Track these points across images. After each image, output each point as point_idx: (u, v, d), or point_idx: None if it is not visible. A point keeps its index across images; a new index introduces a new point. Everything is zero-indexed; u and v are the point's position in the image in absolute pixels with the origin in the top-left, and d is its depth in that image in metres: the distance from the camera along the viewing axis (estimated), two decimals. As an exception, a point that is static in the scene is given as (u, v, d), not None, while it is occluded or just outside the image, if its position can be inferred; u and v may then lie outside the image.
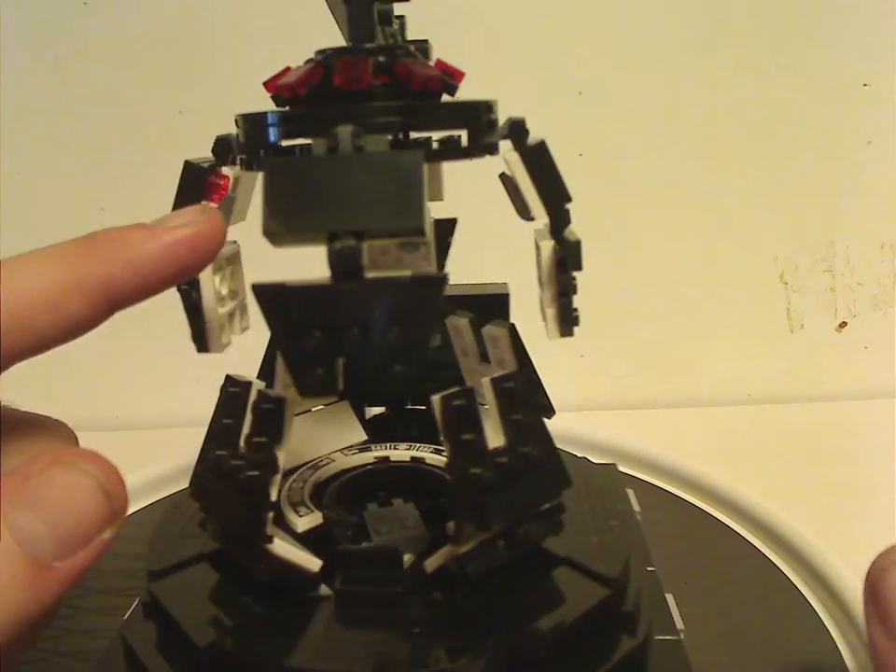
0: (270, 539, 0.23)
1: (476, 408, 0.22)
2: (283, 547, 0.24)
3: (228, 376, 0.25)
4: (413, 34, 0.27)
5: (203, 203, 0.24)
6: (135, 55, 0.52)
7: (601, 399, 0.57)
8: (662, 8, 0.53)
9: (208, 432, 0.25)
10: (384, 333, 0.20)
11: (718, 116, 0.55)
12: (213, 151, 0.25)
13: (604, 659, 0.23)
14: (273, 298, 0.20)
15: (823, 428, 0.52)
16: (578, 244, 0.25)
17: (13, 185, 0.54)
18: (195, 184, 0.25)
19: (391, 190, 0.19)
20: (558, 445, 0.24)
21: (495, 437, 0.23)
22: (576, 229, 0.27)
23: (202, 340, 0.26)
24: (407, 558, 0.24)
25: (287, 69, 0.24)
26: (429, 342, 0.21)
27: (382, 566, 0.24)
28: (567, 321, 0.25)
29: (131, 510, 0.20)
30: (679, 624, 0.26)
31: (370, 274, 0.20)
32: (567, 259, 0.24)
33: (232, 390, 0.24)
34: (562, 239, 0.25)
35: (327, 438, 0.31)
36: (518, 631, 0.22)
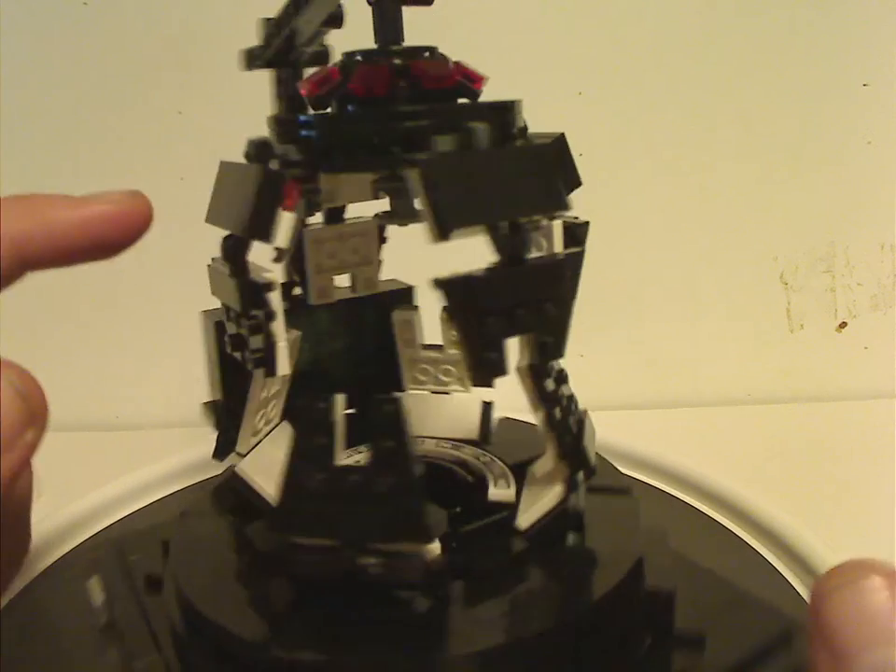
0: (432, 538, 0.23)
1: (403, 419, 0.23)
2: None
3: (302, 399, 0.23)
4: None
5: (137, 190, 0.24)
6: (135, 55, 0.52)
7: (601, 399, 0.57)
8: (662, 8, 0.53)
9: (294, 452, 0.22)
10: (543, 307, 0.22)
11: (717, 116, 0.55)
12: (248, 155, 0.24)
13: None
14: (462, 289, 0.21)
15: (823, 428, 0.52)
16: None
17: (13, 185, 0.54)
18: (272, 190, 0.23)
19: (537, 179, 0.22)
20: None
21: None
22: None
23: (225, 445, 0.26)
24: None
25: (318, 72, 0.24)
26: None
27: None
28: (483, 369, 0.23)
29: (131, 509, 0.21)
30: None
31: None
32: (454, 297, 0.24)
33: (321, 406, 0.22)
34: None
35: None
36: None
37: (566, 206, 0.23)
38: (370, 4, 0.24)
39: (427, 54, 0.24)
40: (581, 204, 0.27)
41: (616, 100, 0.54)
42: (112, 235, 0.21)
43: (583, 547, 0.26)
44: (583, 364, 0.59)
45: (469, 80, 0.24)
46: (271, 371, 0.23)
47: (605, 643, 0.24)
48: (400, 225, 0.27)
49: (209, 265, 0.25)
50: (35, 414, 0.19)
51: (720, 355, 0.59)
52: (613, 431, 0.45)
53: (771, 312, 0.59)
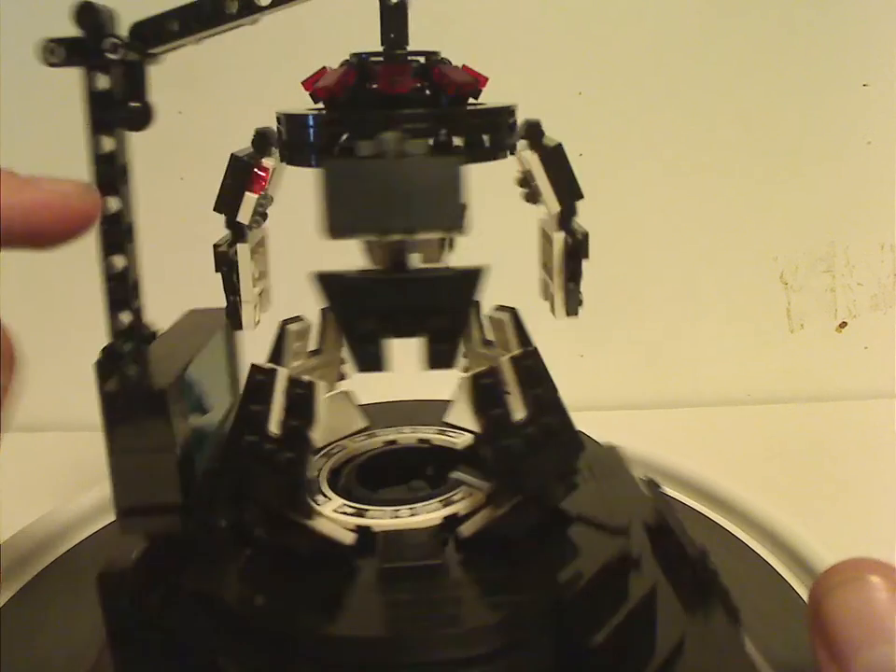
0: (310, 514, 0.25)
1: (502, 385, 0.25)
2: (320, 522, 0.25)
3: (253, 365, 0.26)
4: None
5: (86, 183, 0.24)
6: (135, 55, 0.52)
7: (601, 399, 0.57)
8: (662, 9, 0.53)
9: (236, 419, 0.26)
10: (428, 319, 0.22)
11: (718, 116, 0.55)
12: (253, 143, 0.27)
13: (623, 601, 0.25)
14: (336, 285, 0.22)
15: (823, 428, 0.52)
16: (586, 235, 0.27)
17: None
18: (240, 175, 0.26)
19: (435, 193, 0.21)
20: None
21: (518, 411, 0.25)
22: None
23: (237, 318, 0.28)
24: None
25: (324, 69, 0.25)
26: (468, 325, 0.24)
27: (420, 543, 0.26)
28: (573, 303, 0.28)
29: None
30: None
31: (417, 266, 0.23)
32: (577, 249, 0.27)
33: (259, 378, 0.26)
34: (572, 231, 0.27)
35: (331, 426, 0.32)
36: (549, 586, 0.24)
37: (457, 227, 0.22)
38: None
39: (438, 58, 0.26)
40: (581, 204, 0.27)
41: (616, 100, 0.54)
42: (52, 228, 0.20)
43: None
44: (583, 364, 0.59)
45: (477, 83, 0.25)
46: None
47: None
48: None
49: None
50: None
51: (720, 355, 0.59)
52: (613, 431, 0.45)
53: (771, 312, 0.59)
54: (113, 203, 0.26)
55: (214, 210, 0.26)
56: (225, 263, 0.27)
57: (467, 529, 0.26)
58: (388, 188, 0.21)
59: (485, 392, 0.25)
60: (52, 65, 0.24)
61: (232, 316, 0.28)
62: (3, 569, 0.33)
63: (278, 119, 0.26)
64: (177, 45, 0.25)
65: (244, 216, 0.26)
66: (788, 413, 0.55)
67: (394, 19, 0.25)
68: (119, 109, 0.22)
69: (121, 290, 0.27)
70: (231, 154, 0.27)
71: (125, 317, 0.27)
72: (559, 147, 0.27)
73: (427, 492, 0.28)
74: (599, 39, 0.53)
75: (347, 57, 0.25)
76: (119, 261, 0.26)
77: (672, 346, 0.59)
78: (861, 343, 0.60)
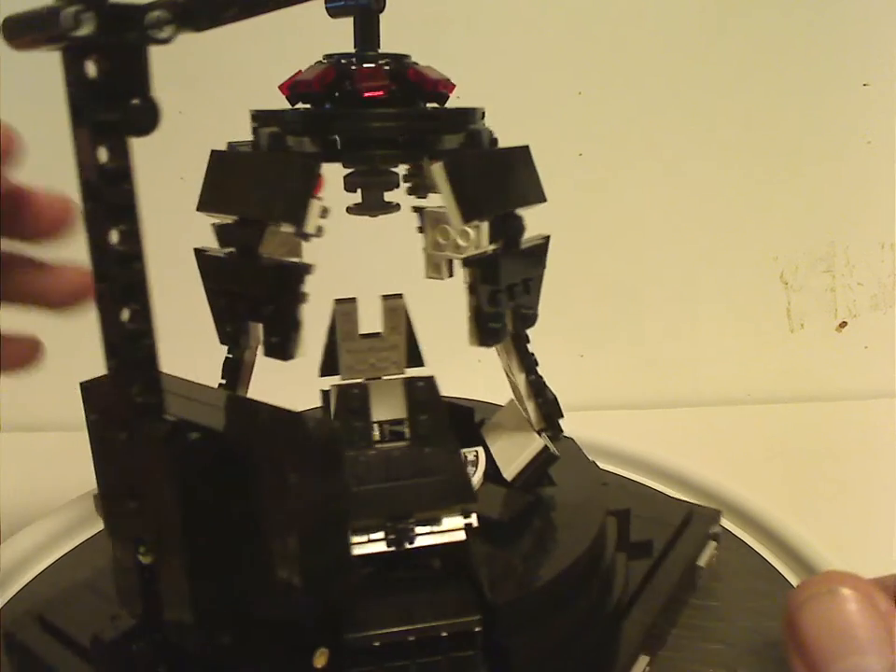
0: None
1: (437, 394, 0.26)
2: None
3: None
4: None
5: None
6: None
7: (601, 399, 0.57)
8: (662, 9, 0.53)
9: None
10: (263, 308, 0.24)
11: (718, 116, 0.55)
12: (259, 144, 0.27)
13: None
14: (203, 261, 0.25)
15: (823, 428, 0.52)
16: (491, 259, 0.26)
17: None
18: (305, 176, 0.25)
19: (280, 187, 0.23)
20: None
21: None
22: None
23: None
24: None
25: (298, 72, 0.26)
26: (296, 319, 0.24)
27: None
28: (482, 332, 0.26)
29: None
30: None
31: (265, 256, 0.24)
32: (479, 272, 0.25)
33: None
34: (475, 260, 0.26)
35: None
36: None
37: (298, 222, 0.23)
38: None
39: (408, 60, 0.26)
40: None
41: (616, 100, 0.54)
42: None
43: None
44: (583, 364, 0.59)
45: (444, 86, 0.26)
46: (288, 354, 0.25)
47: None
48: (371, 216, 0.28)
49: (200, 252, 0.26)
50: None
51: (720, 355, 0.59)
52: (613, 431, 0.45)
53: (771, 312, 0.59)
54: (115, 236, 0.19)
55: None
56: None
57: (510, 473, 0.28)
58: (246, 180, 0.24)
59: (417, 397, 0.27)
60: (51, 40, 0.17)
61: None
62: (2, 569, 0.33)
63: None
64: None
65: (311, 225, 0.24)
66: (788, 413, 0.55)
67: (367, 22, 0.26)
68: (117, 109, 0.18)
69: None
70: (293, 151, 0.25)
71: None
72: (455, 157, 0.25)
73: None
74: (599, 39, 0.53)
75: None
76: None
77: (672, 346, 0.59)
78: (861, 342, 0.60)
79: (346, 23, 0.26)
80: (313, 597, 0.20)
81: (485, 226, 0.25)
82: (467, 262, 0.25)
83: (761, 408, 0.56)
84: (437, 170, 0.24)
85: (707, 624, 0.31)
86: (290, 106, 0.26)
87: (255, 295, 0.24)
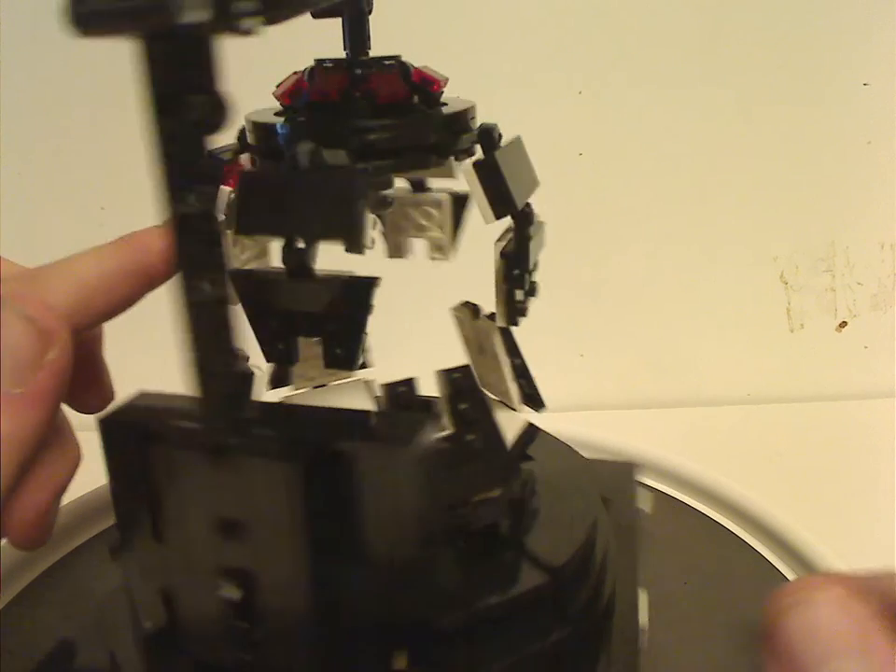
0: None
1: (473, 381, 0.27)
2: None
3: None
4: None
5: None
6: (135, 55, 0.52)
7: (601, 399, 0.57)
8: (662, 8, 0.53)
9: None
10: (324, 323, 0.23)
11: (717, 116, 0.55)
12: (238, 139, 0.27)
13: (531, 640, 0.25)
14: (242, 283, 0.23)
15: (823, 428, 0.52)
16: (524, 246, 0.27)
17: (13, 185, 0.54)
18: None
19: (332, 205, 0.22)
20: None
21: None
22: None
23: None
24: None
25: (300, 77, 0.26)
26: (364, 331, 0.24)
27: None
28: (512, 313, 0.28)
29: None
30: (643, 622, 0.28)
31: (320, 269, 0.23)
32: (511, 261, 0.27)
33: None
34: (523, 237, 0.27)
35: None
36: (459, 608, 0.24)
37: (355, 239, 0.22)
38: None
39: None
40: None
41: (616, 100, 0.54)
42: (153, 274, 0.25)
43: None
44: (583, 364, 0.59)
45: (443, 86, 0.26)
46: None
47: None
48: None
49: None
50: (44, 334, 0.22)
51: (720, 355, 0.59)
52: (613, 431, 0.45)
53: (771, 312, 0.59)
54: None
55: None
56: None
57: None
58: (290, 198, 0.23)
59: (455, 387, 0.26)
60: (178, 26, 0.16)
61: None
62: (2, 570, 0.33)
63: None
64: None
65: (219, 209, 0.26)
66: (788, 413, 0.55)
67: (357, 24, 0.25)
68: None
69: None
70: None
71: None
72: (491, 157, 0.26)
73: None
74: (599, 39, 0.53)
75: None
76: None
77: (672, 346, 0.59)
78: (861, 342, 0.60)
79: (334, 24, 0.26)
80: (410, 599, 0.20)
81: (448, 204, 0.27)
82: (502, 255, 0.27)
83: (761, 408, 0.56)
84: (468, 170, 0.25)
85: (707, 625, 0.31)
86: (281, 110, 0.26)
87: (316, 311, 0.23)
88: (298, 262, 0.23)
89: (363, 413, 0.22)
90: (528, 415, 0.30)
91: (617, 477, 0.34)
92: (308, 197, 0.22)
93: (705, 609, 0.32)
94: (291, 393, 0.30)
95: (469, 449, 0.26)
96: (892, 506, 0.40)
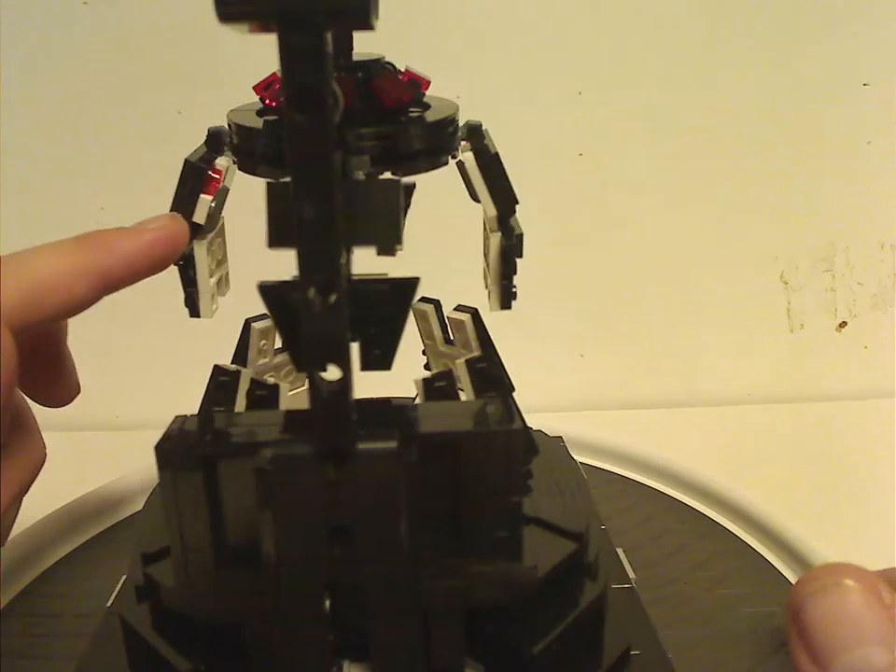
0: None
1: (454, 389, 0.27)
2: None
3: (216, 366, 0.27)
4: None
5: (172, 212, 0.27)
6: (135, 55, 0.52)
7: (601, 399, 0.57)
8: (661, 8, 0.53)
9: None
10: (363, 325, 0.22)
11: (717, 115, 0.55)
12: (207, 143, 0.28)
13: (572, 606, 0.25)
14: (274, 294, 0.22)
15: (823, 428, 0.52)
16: (521, 237, 0.28)
17: (13, 185, 0.54)
18: (194, 180, 0.27)
19: (375, 213, 0.22)
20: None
21: None
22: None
23: (195, 307, 0.29)
24: None
25: (275, 75, 0.25)
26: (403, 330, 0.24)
27: None
28: (507, 297, 0.29)
29: (132, 510, 0.21)
30: (631, 574, 0.30)
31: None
32: (511, 250, 0.28)
33: (222, 379, 0.26)
34: (508, 232, 0.28)
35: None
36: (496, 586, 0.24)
37: (397, 243, 0.23)
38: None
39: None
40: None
41: (616, 100, 0.54)
42: (167, 254, 0.26)
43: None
44: (583, 364, 0.59)
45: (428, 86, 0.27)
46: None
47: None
48: None
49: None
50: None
51: (720, 355, 0.59)
52: (613, 431, 0.45)
53: (771, 312, 0.59)
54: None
55: (171, 210, 0.27)
56: (181, 258, 0.27)
57: None
58: None
59: (438, 395, 0.26)
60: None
61: (190, 307, 0.28)
62: (3, 570, 0.33)
63: (229, 125, 0.26)
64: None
65: (199, 217, 0.27)
66: (788, 413, 0.55)
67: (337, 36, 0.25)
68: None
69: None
70: (185, 160, 0.27)
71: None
72: (497, 155, 0.27)
73: None
74: (599, 39, 0.53)
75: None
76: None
77: (672, 346, 0.59)
78: (861, 342, 0.60)
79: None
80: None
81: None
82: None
83: (761, 408, 0.56)
84: (470, 166, 0.26)
85: (706, 625, 0.31)
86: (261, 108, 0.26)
87: (358, 315, 0.23)
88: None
89: (448, 405, 0.24)
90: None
91: (556, 448, 0.34)
92: (351, 205, 0.22)
93: (705, 609, 0.32)
94: (297, 390, 0.30)
95: None
96: (892, 506, 0.40)
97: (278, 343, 0.29)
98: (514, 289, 0.29)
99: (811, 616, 0.19)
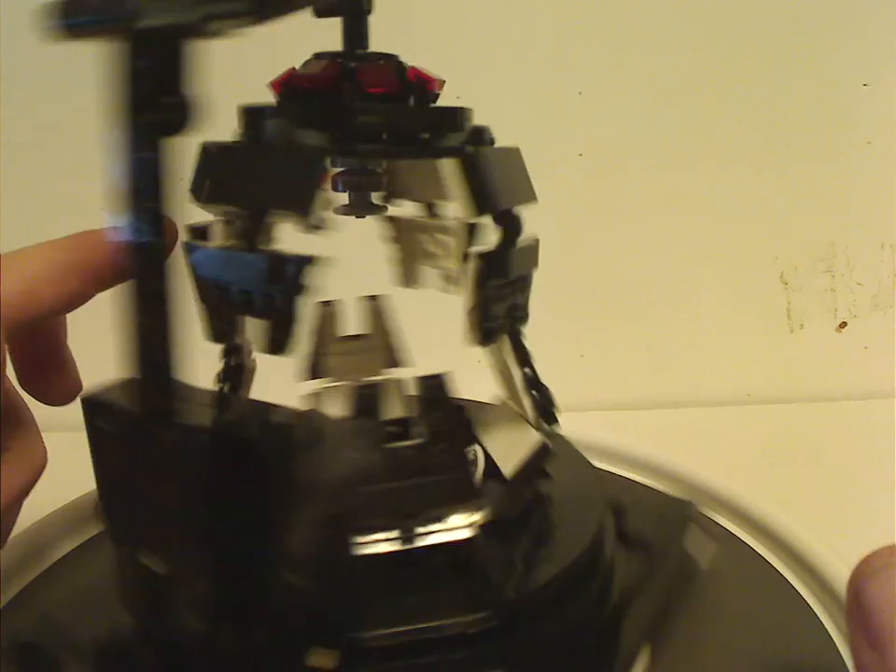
0: None
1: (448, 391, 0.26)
2: None
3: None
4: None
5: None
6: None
7: (601, 400, 0.57)
8: (662, 9, 0.53)
9: None
10: (265, 298, 0.22)
11: (718, 116, 0.55)
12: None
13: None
14: (187, 254, 0.24)
15: (823, 428, 0.52)
16: (502, 252, 0.26)
17: (13, 185, 0.54)
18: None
19: (290, 179, 0.22)
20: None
21: None
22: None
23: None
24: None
25: (293, 69, 0.25)
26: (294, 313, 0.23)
27: None
28: (483, 330, 0.25)
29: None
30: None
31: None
32: (489, 264, 0.25)
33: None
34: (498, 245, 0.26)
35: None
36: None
37: (304, 211, 0.22)
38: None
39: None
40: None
41: (616, 100, 0.54)
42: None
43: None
44: (583, 364, 0.59)
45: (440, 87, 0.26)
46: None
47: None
48: (358, 217, 0.28)
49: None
50: None
51: (720, 355, 0.59)
52: (614, 431, 0.45)
53: (771, 312, 0.59)
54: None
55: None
56: None
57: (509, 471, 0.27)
58: (245, 172, 0.23)
59: (429, 394, 0.27)
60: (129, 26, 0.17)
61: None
62: (3, 570, 0.33)
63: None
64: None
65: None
66: (788, 413, 0.55)
67: (357, 23, 0.26)
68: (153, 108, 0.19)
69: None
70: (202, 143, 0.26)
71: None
72: (475, 156, 0.25)
73: None
74: (599, 39, 0.53)
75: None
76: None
77: (672, 346, 0.59)
78: (861, 343, 0.60)
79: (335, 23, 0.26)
80: (312, 596, 0.20)
81: (459, 230, 0.25)
82: (479, 256, 0.25)
83: (761, 408, 0.56)
84: (451, 164, 0.24)
85: (706, 626, 0.31)
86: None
87: (251, 288, 0.23)
88: (249, 236, 0.23)
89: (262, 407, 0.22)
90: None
91: (666, 513, 0.34)
92: (263, 170, 0.23)
93: (704, 609, 0.32)
94: (323, 387, 0.30)
95: (434, 461, 0.25)
96: (892, 506, 0.40)
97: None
98: (487, 324, 0.25)
99: (871, 598, 0.18)
